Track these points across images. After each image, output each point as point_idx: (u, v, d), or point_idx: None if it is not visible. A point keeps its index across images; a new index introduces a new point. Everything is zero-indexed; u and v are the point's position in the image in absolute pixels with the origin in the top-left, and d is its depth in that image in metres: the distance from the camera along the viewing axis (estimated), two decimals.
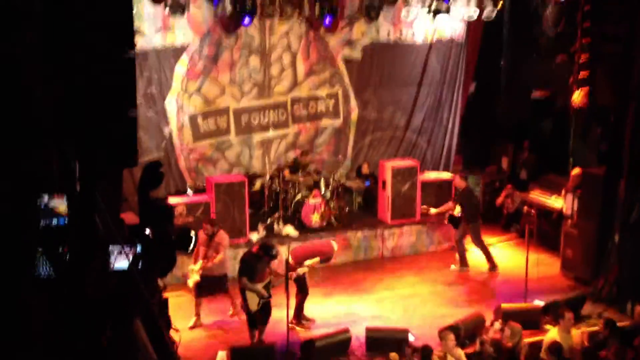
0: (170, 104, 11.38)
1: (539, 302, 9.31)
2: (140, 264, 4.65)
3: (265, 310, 8.46)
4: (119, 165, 5.14)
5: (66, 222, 4.39)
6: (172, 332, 5.76)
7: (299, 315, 9.07)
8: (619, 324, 8.20)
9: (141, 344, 4.51)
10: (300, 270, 8.81)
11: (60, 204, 4.44)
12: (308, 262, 8.89)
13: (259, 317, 8.47)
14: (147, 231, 5.05)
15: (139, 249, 4.69)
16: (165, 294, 6.19)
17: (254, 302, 8.36)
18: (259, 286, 8.33)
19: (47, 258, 4.28)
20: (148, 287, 4.80)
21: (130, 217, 5.88)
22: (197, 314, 9.03)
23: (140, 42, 10.41)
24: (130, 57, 4.60)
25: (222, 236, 9.08)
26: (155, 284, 5.27)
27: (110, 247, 4.50)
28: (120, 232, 4.94)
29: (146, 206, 5.23)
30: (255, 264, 8.36)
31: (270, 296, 8.42)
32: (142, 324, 4.56)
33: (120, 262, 4.53)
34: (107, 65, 4.51)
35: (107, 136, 4.62)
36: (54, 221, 4.42)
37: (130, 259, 4.52)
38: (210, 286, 8.96)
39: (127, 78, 4.68)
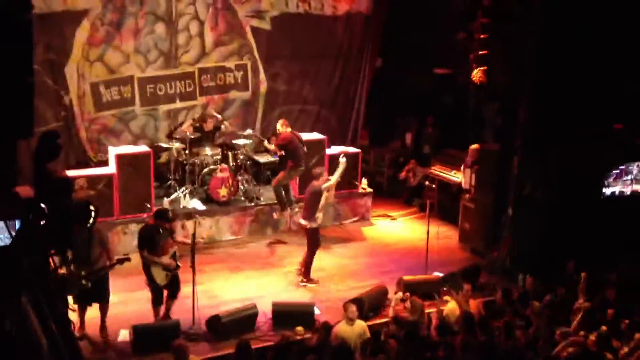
0: (71, 71, 10.92)
1: (438, 274, 9.66)
2: (29, 239, 4.46)
3: (174, 283, 8.20)
4: (13, 135, 4.93)
5: None
6: (70, 312, 5.57)
7: (309, 272, 9.38)
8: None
9: (28, 323, 4.33)
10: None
11: None
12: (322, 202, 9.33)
13: (169, 292, 8.21)
14: (42, 205, 4.86)
15: (18, 224, 4.49)
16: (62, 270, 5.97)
17: (160, 276, 8.07)
18: (164, 258, 8.04)
19: None
20: (42, 263, 4.62)
21: (25, 190, 5.63)
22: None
23: (39, 5, 9.90)
24: (26, 20, 4.41)
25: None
26: (50, 259, 5.07)
27: None
28: (13, 205, 4.74)
29: (42, 178, 5.04)
30: (154, 235, 8.04)
31: (178, 267, 8.13)
32: (31, 303, 4.37)
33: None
34: (1, 28, 4.32)
35: (1, 104, 4.44)
36: None
37: (12, 233, 4.33)
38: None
39: (24, 43, 4.49)
